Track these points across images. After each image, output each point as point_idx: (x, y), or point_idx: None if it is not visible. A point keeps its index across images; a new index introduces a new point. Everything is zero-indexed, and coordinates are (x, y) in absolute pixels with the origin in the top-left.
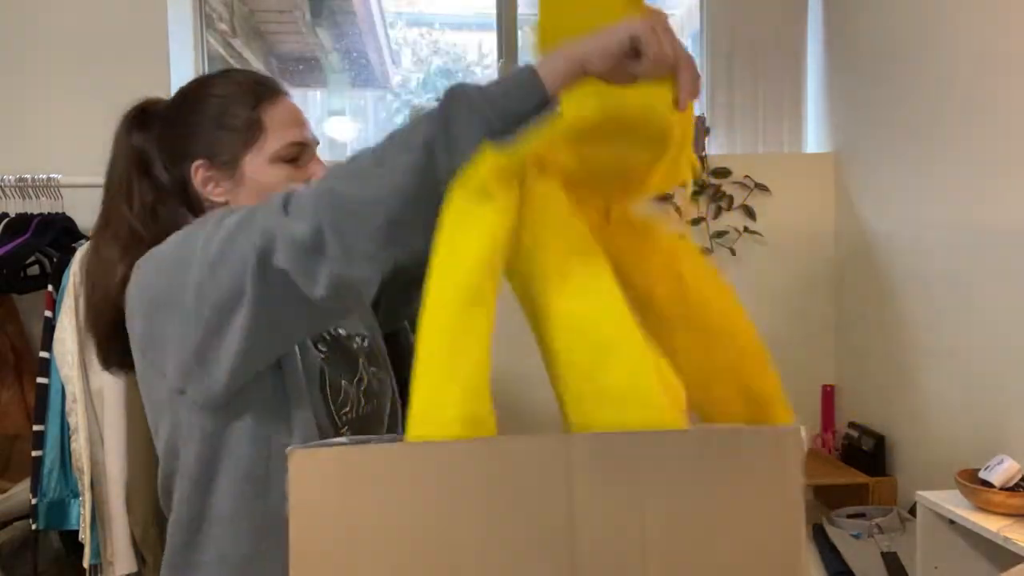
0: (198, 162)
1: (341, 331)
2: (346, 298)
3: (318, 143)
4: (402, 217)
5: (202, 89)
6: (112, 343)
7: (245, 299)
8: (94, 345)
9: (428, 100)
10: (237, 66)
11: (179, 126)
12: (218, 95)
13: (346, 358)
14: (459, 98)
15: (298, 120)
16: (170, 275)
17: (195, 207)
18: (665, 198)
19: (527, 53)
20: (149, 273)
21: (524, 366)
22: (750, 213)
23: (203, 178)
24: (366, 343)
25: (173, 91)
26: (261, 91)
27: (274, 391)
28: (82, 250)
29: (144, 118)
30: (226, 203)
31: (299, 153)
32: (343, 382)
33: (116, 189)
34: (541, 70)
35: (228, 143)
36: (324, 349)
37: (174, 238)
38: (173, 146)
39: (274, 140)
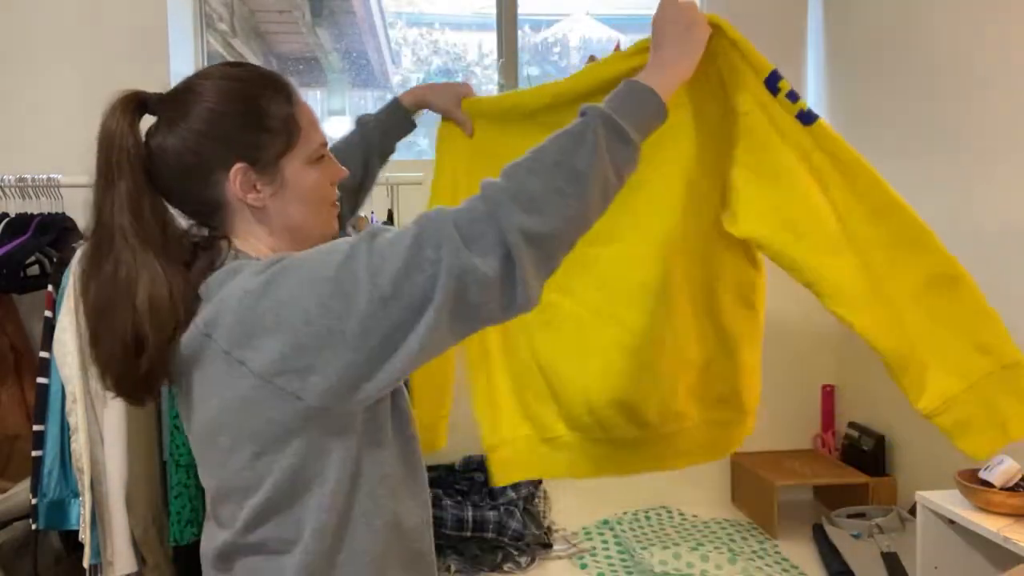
0: (239, 166)
1: None
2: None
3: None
4: (581, 234)
5: (231, 85)
6: (156, 368)
7: (418, 330)
8: (109, 373)
9: None
10: None
11: (211, 127)
12: (251, 94)
13: None
14: (601, 124)
15: (317, 119)
16: (326, 301)
17: (211, 213)
18: None
19: (527, 53)
20: (292, 294)
21: None
22: None
23: (243, 183)
24: None
25: None
26: (288, 89)
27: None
28: (82, 250)
29: (146, 111)
30: (263, 208)
31: (325, 153)
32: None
33: (134, 196)
34: (662, 92)
35: (270, 145)
36: None
37: (315, 260)
38: (207, 149)
39: (308, 141)
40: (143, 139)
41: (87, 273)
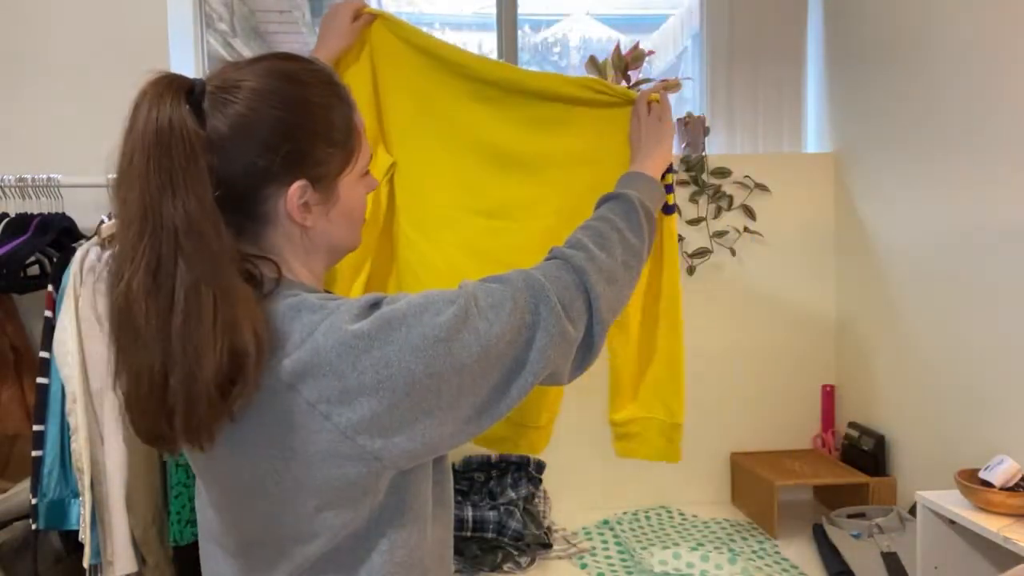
0: (300, 183)
1: None
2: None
3: None
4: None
5: (297, 90)
6: (237, 412)
7: (510, 395)
8: (180, 417)
9: None
10: None
11: (277, 137)
12: (321, 102)
13: None
14: (639, 206)
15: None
16: (437, 370)
17: (253, 227)
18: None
19: (527, 53)
20: (400, 356)
21: None
22: (750, 213)
23: (299, 202)
24: None
25: None
26: (347, 93)
27: None
28: (82, 250)
29: (190, 100)
30: (312, 227)
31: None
32: None
33: (210, 202)
34: (657, 176)
35: (332, 161)
36: None
37: (420, 316)
38: (271, 161)
39: (363, 155)
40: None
41: (143, 293)
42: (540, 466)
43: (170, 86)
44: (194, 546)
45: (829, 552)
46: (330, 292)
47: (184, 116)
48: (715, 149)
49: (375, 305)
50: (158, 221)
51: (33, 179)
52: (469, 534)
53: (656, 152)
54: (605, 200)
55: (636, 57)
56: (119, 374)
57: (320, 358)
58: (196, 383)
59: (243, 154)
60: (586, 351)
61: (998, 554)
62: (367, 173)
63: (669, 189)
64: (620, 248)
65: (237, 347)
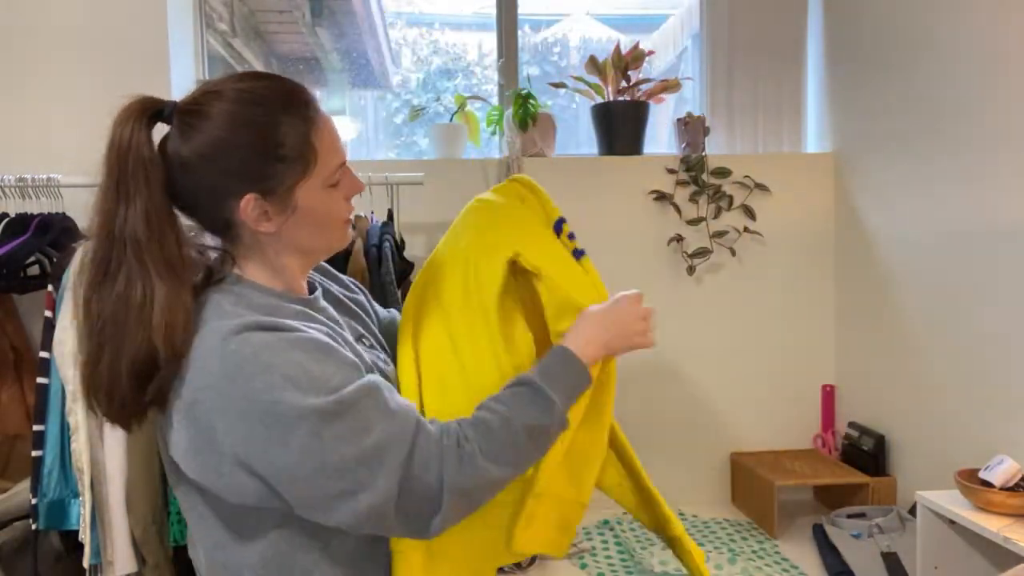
0: (250, 196)
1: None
2: None
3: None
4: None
5: (246, 111)
6: (159, 397)
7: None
8: (106, 395)
9: (428, 100)
10: (237, 67)
11: (224, 157)
12: (267, 121)
13: None
14: (545, 394)
15: (337, 136)
16: (310, 475)
17: (222, 230)
18: (664, 197)
19: (527, 53)
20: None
21: None
22: (750, 213)
23: (254, 213)
24: (381, 354)
25: (173, 91)
26: (307, 111)
27: None
28: (82, 250)
29: (160, 119)
30: (274, 233)
31: (342, 175)
32: None
33: (151, 212)
34: (584, 358)
35: (283, 175)
36: None
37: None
38: (218, 177)
39: (325, 166)
40: (158, 149)
41: (91, 286)
42: None
43: (138, 110)
44: None
45: (829, 552)
46: (299, 295)
47: (141, 139)
48: (715, 149)
49: (253, 328)
50: (112, 228)
51: (33, 179)
52: None
53: (609, 333)
54: (529, 384)
55: (636, 57)
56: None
57: (189, 360)
58: (117, 367)
59: (198, 173)
60: (432, 516)
61: (998, 554)
62: (338, 181)
63: (572, 236)
64: (518, 435)
65: (153, 345)
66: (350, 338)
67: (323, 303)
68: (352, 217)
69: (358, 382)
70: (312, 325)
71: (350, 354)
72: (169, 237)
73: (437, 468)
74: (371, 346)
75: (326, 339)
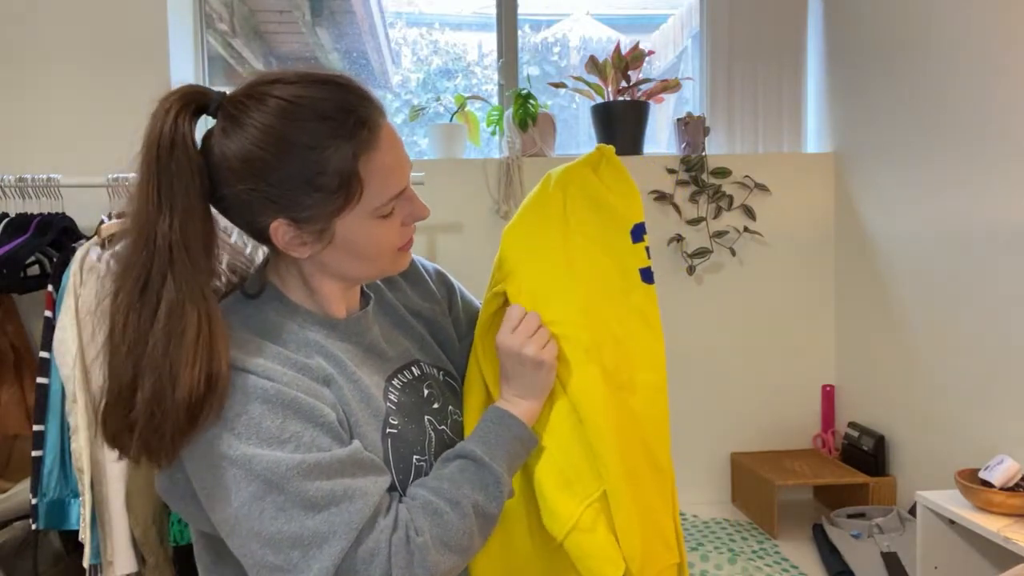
0: (280, 221)
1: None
2: None
3: (411, 166)
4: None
5: (287, 128)
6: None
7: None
8: (159, 435)
9: (428, 100)
10: (237, 67)
11: (254, 176)
12: (308, 143)
13: (417, 425)
14: (491, 470)
15: (397, 163)
16: (266, 542)
17: (261, 240)
18: (664, 197)
19: (527, 53)
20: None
21: None
22: (750, 213)
23: (286, 238)
24: (443, 376)
25: None
26: (361, 134)
27: None
28: (82, 250)
29: (204, 112)
30: (311, 258)
31: (396, 204)
32: (414, 457)
33: (188, 221)
34: (527, 419)
35: (318, 206)
36: (395, 423)
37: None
38: (250, 195)
39: (373, 196)
40: (200, 147)
41: (128, 303)
42: None
43: (182, 101)
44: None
45: (829, 552)
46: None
47: (186, 135)
48: (715, 149)
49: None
50: (152, 237)
51: (33, 179)
52: None
53: (535, 386)
54: (471, 456)
55: (636, 57)
56: (102, 368)
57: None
58: (165, 402)
59: (234, 182)
60: None
61: (998, 554)
62: (392, 211)
63: (639, 236)
64: (471, 519)
65: (213, 370)
66: (366, 382)
67: (367, 322)
68: (411, 240)
69: (317, 455)
70: (317, 361)
71: (331, 415)
72: (214, 249)
73: (384, 567)
74: (417, 377)
75: (303, 396)
